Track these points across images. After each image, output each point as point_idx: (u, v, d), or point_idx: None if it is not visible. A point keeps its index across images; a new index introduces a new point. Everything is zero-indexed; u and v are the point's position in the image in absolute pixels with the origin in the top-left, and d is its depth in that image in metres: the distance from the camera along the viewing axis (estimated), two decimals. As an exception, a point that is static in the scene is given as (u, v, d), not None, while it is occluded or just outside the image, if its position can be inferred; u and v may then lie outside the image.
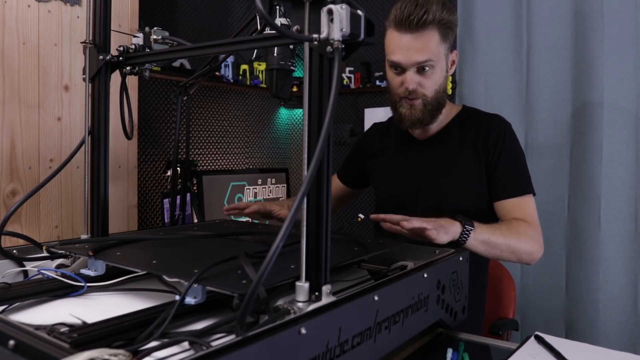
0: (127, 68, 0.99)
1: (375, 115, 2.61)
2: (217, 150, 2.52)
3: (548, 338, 0.88)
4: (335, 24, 0.61)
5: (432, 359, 0.89)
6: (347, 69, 2.74)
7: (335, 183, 1.57)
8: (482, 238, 1.08)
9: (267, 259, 0.51)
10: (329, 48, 0.62)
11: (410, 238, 1.02)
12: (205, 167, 2.45)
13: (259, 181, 2.49)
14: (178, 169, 1.54)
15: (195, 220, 2.06)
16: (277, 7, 0.98)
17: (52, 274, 0.80)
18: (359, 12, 0.64)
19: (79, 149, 0.98)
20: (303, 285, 0.62)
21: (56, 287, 0.77)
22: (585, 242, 2.04)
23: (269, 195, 2.54)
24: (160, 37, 1.04)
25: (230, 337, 0.56)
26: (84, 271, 0.81)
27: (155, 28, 1.04)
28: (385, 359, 0.74)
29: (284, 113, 2.99)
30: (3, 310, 0.70)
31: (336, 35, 0.61)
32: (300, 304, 0.62)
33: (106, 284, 0.80)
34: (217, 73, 2.35)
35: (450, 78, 2.30)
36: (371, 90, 2.70)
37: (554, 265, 2.13)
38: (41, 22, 1.44)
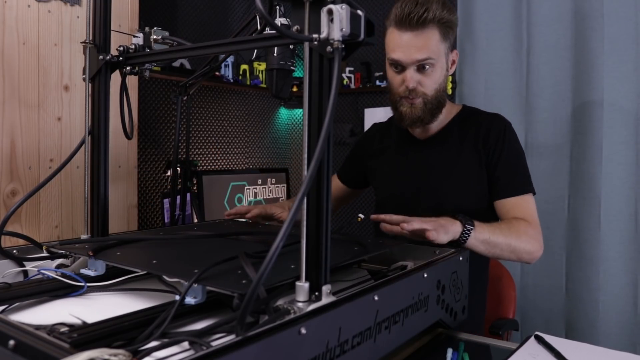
0: (127, 68, 0.99)
1: (375, 115, 2.61)
2: (217, 150, 2.52)
3: (548, 338, 0.88)
4: (335, 24, 0.61)
5: (432, 359, 0.89)
6: (347, 69, 2.74)
7: (335, 183, 1.57)
8: (483, 237, 1.08)
9: (267, 259, 0.51)
10: (329, 48, 0.62)
11: (411, 238, 1.02)
12: (205, 167, 2.45)
13: (259, 181, 2.49)
14: (178, 169, 1.54)
15: (195, 220, 2.06)
16: (277, 7, 0.98)
17: (52, 274, 0.80)
18: (359, 12, 0.64)
19: (79, 149, 0.98)
20: (303, 285, 0.62)
21: (56, 287, 0.77)
22: (585, 242, 2.04)
23: (269, 196, 2.54)
24: (160, 37, 1.04)
25: (230, 337, 0.56)
26: (84, 271, 0.81)
27: (155, 28, 1.04)
28: (385, 359, 0.74)
29: (284, 113, 3.00)
30: (3, 310, 0.70)
31: (336, 35, 0.61)
32: (300, 304, 0.62)
33: (106, 284, 0.80)
34: (217, 73, 2.35)
35: (450, 78, 2.30)
36: (371, 90, 2.70)
37: (554, 265, 2.13)
38: (41, 22, 1.44)
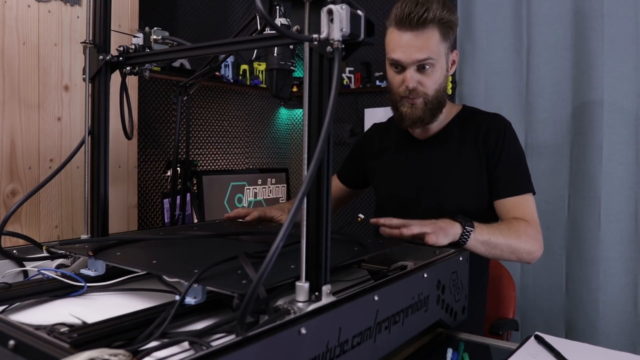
0: (127, 68, 0.99)
1: (375, 115, 2.61)
2: (217, 150, 2.52)
3: (548, 338, 0.88)
4: (335, 24, 0.61)
5: (432, 359, 0.89)
6: (347, 69, 2.74)
7: (335, 183, 1.57)
8: (483, 239, 1.08)
9: (267, 259, 0.51)
10: (329, 48, 0.62)
11: (411, 239, 1.02)
12: (205, 167, 2.45)
13: (259, 181, 2.49)
14: (178, 169, 1.54)
15: (195, 220, 2.06)
16: (277, 7, 0.98)
17: (52, 274, 0.80)
18: (359, 12, 0.64)
19: (79, 149, 0.98)
20: (303, 285, 0.62)
21: (56, 287, 0.77)
22: (585, 242, 2.04)
23: (269, 196, 2.54)
24: (160, 37, 1.04)
25: (230, 337, 0.56)
26: (84, 271, 0.81)
27: (155, 28, 1.04)
28: (385, 359, 0.74)
29: (284, 113, 3.00)
30: (3, 310, 0.70)
31: (336, 35, 0.61)
32: (300, 304, 0.62)
33: (106, 284, 0.80)
34: (217, 73, 2.35)
35: (450, 78, 2.30)
36: (371, 90, 2.70)
37: (554, 265, 2.13)
38: (41, 22, 1.44)
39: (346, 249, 0.88)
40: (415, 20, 1.16)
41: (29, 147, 1.42)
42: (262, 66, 2.61)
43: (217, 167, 2.52)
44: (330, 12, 0.61)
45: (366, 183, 1.54)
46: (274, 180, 2.58)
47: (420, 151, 1.35)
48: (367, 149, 1.49)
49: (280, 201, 2.59)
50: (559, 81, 2.13)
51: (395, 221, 1.03)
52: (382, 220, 1.05)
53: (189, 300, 0.66)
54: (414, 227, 0.98)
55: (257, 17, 1.01)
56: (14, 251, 0.91)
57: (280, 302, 0.63)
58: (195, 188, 2.10)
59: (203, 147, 2.44)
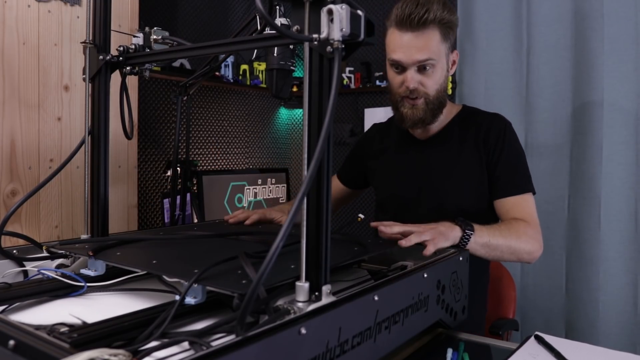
0: (127, 68, 0.99)
1: (375, 115, 2.61)
2: (217, 150, 2.52)
3: (548, 338, 0.88)
4: (335, 24, 0.61)
5: (432, 359, 0.89)
6: (347, 69, 2.74)
7: (335, 183, 1.56)
8: (483, 241, 1.08)
9: (267, 259, 0.51)
10: (329, 48, 0.62)
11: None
12: (205, 167, 2.45)
13: (259, 181, 2.49)
14: (178, 169, 1.54)
15: (195, 220, 2.06)
16: (277, 7, 0.98)
17: (52, 274, 0.80)
18: (359, 12, 0.64)
19: (79, 149, 0.98)
20: (303, 285, 0.62)
21: (56, 287, 0.77)
22: (585, 242, 2.04)
23: (268, 196, 2.54)
24: (160, 37, 1.04)
25: (230, 337, 0.56)
26: (84, 271, 0.81)
27: (155, 28, 1.04)
28: (385, 359, 0.74)
29: (284, 113, 3.00)
30: (3, 310, 0.70)
31: (336, 35, 0.61)
32: (300, 304, 0.62)
33: (106, 284, 0.80)
34: (217, 73, 2.35)
35: (450, 78, 2.30)
36: (371, 90, 2.70)
37: (554, 265, 2.13)
38: (41, 22, 1.44)
39: (346, 249, 0.88)
40: (416, 21, 1.16)
41: (29, 147, 1.42)
42: (262, 66, 2.61)
43: (217, 167, 2.52)
44: (330, 12, 0.61)
45: (366, 183, 1.53)
46: (274, 180, 2.58)
47: (421, 151, 1.35)
48: (367, 149, 1.49)
49: (280, 201, 2.59)
50: (559, 81, 2.13)
51: (396, 228, 1.03)
52: (382, 228, 1.05)
53: (189, 300, 0.66)
54: (413, 238, 0.97)
55: (257, 17, 1.01)
56: (14, 251, 0.91)
57: (280, 302, 0.63)
58: (195, 188, 2.10)
59: (203, 147, 2.44)
